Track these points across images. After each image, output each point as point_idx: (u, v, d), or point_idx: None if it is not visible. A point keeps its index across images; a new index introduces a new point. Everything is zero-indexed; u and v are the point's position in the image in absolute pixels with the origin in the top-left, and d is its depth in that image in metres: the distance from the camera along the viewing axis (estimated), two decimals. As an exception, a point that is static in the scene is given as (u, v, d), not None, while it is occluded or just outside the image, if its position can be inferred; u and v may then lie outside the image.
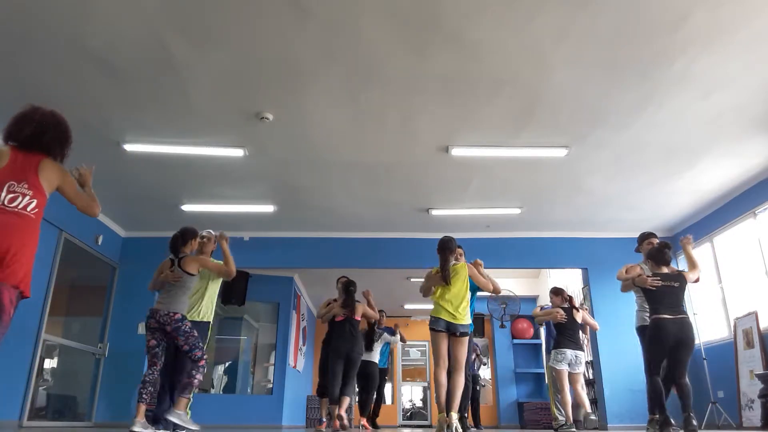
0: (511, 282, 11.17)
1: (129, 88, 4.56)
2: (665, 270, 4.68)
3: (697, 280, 4.75)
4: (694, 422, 4.24)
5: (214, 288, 4.86)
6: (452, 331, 4.37)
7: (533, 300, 11.54)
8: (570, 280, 9.52)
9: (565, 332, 6.09)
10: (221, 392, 9.77)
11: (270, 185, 6.53)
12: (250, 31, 3.90)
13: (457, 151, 5.59)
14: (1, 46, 4.02)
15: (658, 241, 5.02)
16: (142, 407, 4.04)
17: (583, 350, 6.23)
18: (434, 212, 7.26)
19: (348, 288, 5.92)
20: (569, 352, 5.99)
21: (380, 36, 3.95)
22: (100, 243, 7.25)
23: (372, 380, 7.25)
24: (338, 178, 6.29)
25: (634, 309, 5.13)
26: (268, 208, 7.16)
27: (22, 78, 4.41)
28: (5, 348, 5.44)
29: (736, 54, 4.13)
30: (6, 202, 2.41)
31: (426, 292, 4.64)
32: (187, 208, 7.07)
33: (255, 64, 4.26)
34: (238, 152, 5.60)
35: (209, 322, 4.79)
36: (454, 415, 4.20)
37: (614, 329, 7.27)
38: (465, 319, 4.41)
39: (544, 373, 11.05)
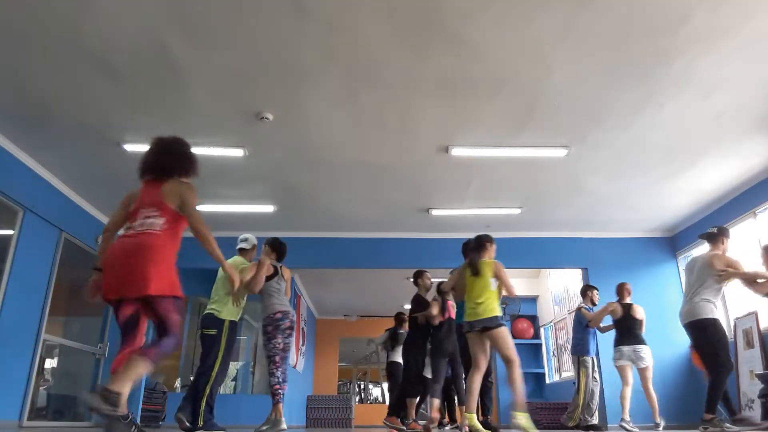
0: (510, 282, 11.14)
1: (129, 88, 4.55)
2: None
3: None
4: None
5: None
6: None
7: (533, 300, 11.52)
8: (570, 280, 9.52)
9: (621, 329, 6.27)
10: (221, 392, 9.75)
11: (270, 185, 6.53)
12: (250, 32, 3.90)
13: (457, 151, 5.60)
14: (1, 47, 4.02)
15: None
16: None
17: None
18: (434, 212, 7.26)
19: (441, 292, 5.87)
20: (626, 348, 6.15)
21: (380, 36, 3.95)
22: (100, 243, 7.23)
23: (396, 380, 7.54)
24: (338, 178, 6.29)
25: (676, 297, 5.04)
26: (268, 208, 7.16)
27: (22, 78, 4.41)
28: (5, 348, 5.45)
29: (736, 54, 4.13)
30: (138, 227, 2.82)
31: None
32: (187, 208, 7.06)
33: (255, 64, 4.26)
34: (238, 152, 5.60)
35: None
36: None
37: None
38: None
39: (544, 374, 11.05)
